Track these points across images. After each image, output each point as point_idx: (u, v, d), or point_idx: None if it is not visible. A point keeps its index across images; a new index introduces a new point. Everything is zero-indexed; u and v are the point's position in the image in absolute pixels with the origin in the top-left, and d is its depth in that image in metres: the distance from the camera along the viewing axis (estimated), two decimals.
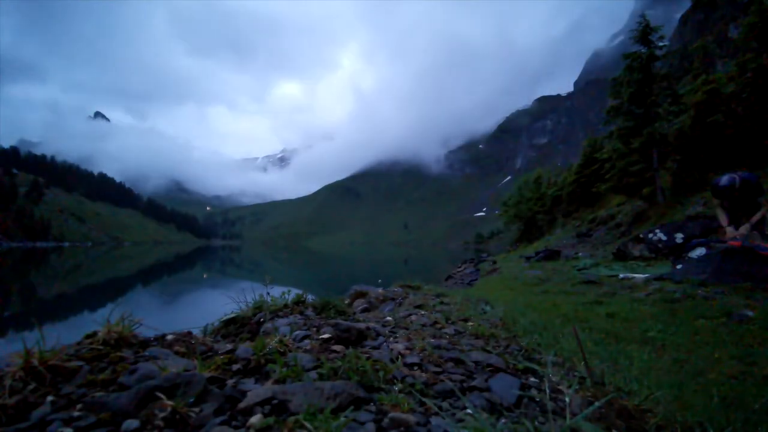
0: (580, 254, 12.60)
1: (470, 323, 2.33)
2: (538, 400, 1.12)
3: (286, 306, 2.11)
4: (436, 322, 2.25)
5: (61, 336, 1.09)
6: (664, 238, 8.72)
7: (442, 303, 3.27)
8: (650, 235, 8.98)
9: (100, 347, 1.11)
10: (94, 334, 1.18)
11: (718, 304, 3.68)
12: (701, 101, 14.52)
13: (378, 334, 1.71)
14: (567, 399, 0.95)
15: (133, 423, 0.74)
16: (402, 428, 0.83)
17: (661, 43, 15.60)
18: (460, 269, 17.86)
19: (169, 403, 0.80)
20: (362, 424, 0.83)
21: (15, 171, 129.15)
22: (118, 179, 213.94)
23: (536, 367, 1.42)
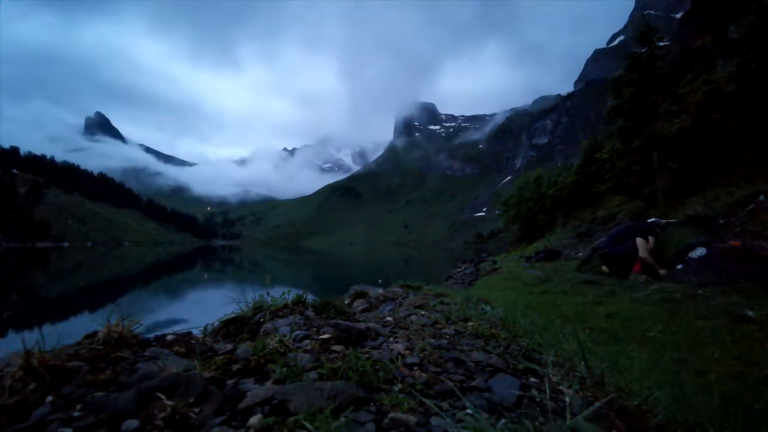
0: (580, 254, 12.58)
1: (470, 323, 2.32)
2: (538, 400, 1.11)
3: (286, 306, 2.11)
4: (436, 323, 2.24)
5: (61, 336, 1.09)
6: None
7: (442, 303, 3.26)
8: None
9: (100, 347, 1.11)
10: (94, 334, 1.18)
11: (718, 304, 3.68)
12: (701, 101, 14.53)
13: (378, 335, 1.70)
14: (567, 399, 0.95)
15: (133, 423, 0.74)
16: (402, 428, 0.83)
17: (661, 43, 15.63)
18: (460, 269, 17.86)
19: (169, 403, 0.80)
20: (362, 424, 0.83)
21: (15, 171, 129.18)
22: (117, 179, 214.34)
23: (536, 367, 1.42)
